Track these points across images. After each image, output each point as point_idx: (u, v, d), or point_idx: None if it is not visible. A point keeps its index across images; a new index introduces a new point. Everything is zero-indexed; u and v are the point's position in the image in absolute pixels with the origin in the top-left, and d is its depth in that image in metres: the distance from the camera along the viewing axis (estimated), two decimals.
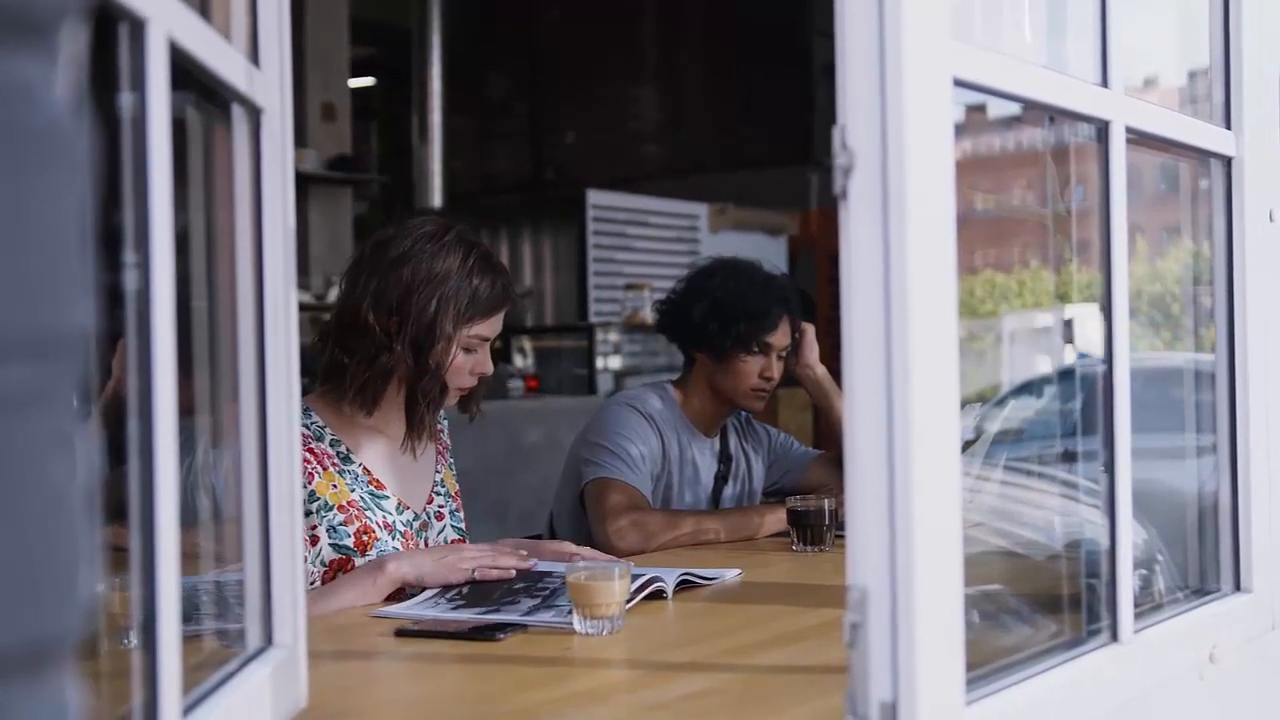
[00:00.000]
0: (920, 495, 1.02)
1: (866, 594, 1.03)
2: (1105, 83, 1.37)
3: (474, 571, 1.91)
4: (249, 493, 1.20)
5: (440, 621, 1.76)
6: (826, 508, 2.39)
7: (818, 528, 2.39)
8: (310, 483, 2.01)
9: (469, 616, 1.77)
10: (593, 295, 7.51)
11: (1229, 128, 1.64)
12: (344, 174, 7.41)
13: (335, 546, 2.02)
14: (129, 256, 0.86)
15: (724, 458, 2.81)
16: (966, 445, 1.83)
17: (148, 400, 0.86)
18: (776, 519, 2.53)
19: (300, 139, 6.97)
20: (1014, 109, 1.43)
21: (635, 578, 1.83)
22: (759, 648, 1.66)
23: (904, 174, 1.02)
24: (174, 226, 0.89)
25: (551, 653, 1.61)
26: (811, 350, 2.81)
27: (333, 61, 7.36)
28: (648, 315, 6.64)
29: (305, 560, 1.99)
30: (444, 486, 2.23)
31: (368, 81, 9.92)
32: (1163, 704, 1.47)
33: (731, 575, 2.10)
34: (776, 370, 2.71)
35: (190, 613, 1.15)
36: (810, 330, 2.81)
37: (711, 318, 2.68)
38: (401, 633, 1.72)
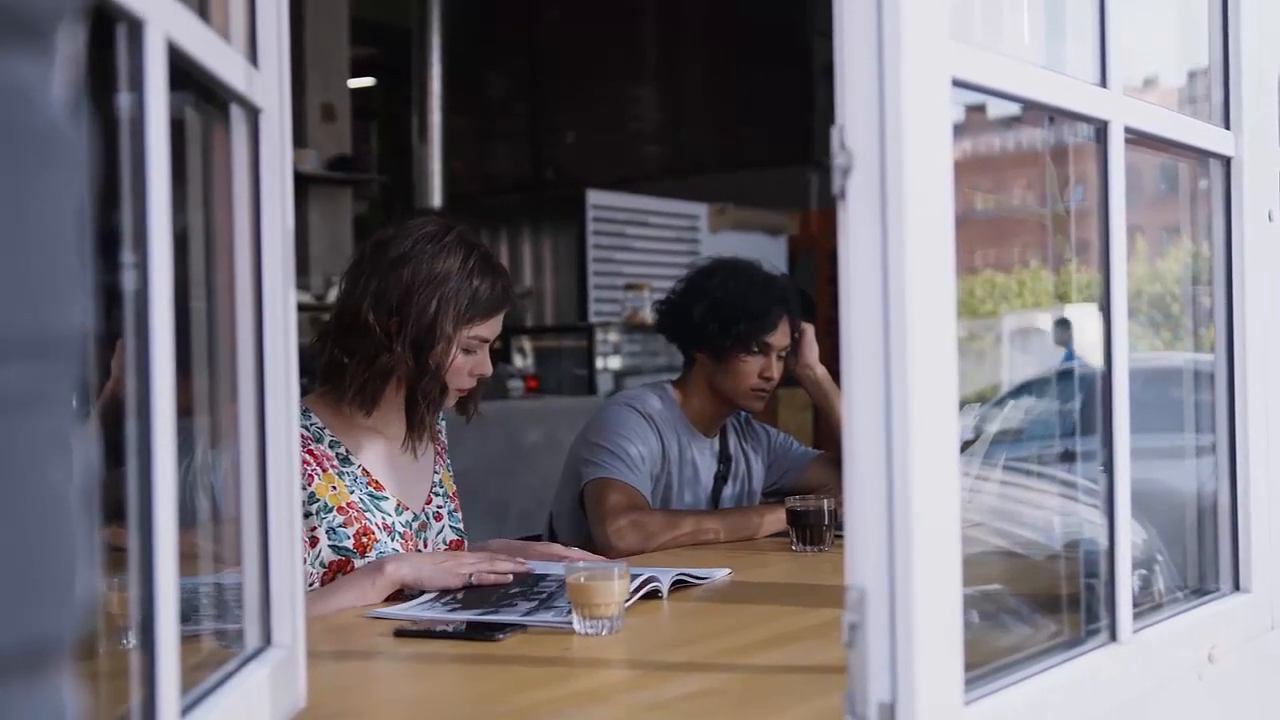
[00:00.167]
0: (919, 495, 1.02)
1: (865, 594, 1.03)
2: (1104, 83, 1.37)
3: (471, 576, 1.92)
4: (248, 493, 1.20)
5: (439, 621, 1.76)
6: (826, 508, 2.39)
7: (817, 528, 2.39)
8: (309, 484, 2.01)
9: (468, 617, 1.77)
10: (592, 295, 7.52)
11: (1228, 128, 1.64)
12: (344, 174, 7.42)
13: (335, 548, 2.02)
14: (127, 257, 0.86)
15: (723, 458, 2.81)
16: (966, 445, 1.83)
17: (146, 401, 0.86)
18: (776, 519, 2.54)
19: (300, 139, 6.97)
20: (1014, 109, 1.43)
21: (632, 578, 1.83)
22: (758, 648, 1.66)
23: (902, 174, 1.02)
24: (173, 227, 0.89)
25: (551, 653, 1.61)
26: (811, 350, 2.81)
27: (332, 61, 7.37)
28: (647, 315, 6.64)
29: (304, 562, 1.99)
30: (442, 487, 2.23)
31: (368, 81, 9.93)
32: (1161, 704, 1.47)
33: (722, 575, 2.11)
34: (776, 370, 2.71)
35: (189, 613, 1.15)
36: (810, 330, 2.81)
37: (711, 318, 2.68)
38: (400, 633, 1.72)
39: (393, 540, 2.08)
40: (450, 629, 1.72)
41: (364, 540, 2.03)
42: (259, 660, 1.17)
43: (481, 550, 2.23)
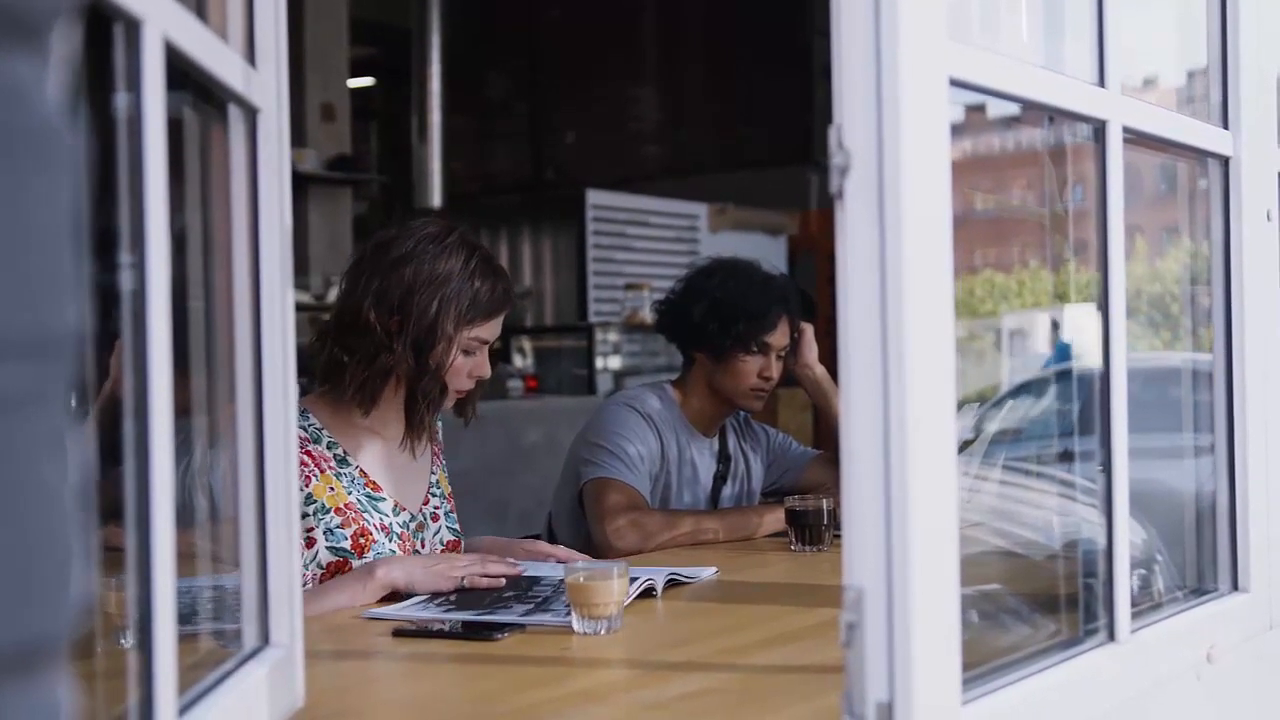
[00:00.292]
0: (917, 495, 1.02)
1: (863, 594, 1.03)
2: (1102, 82, 1.37)
3: (464, 580, 1.92)
4: (246, 492, 1.20)
5: (437, 621, 1.76)
6: (825, 508, 2.39)
7: (816, 527, 2.39)
8: (307, 485, 2.01)
9: (464, 617, 1.77)
10: (592, 295, 7.52)
11: (1226, 127, 1.64)
12: (343, 174, 7.42)
13: (332, 549, 2.02)
14: (125, 257, 0.86)
15: (723, 458, 2.81)
16: (965, 445, 1.83)
17: (143, 400, 0.86)
18: (775, 519, 2.54)
19: (300, 139, 6.97)
20: (1014, 108, 1.43)
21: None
22: (757, 647, 1.66)
23: (900, 174, 1.02)
24: (170, 227, 0.89)
25: (550, 652, 1.61)
26: (810, 350, 2.81)
27: (332, 61, 7.37)
28: (647, 315, 6.64)
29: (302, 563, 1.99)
30: (439, 488, 2.24)
31: (367, 81, 9.93)
32: (1160, 704, 1.47)
33: (708, 573, 2.13)
34: (775, 370, 2.71)
35: (188, 613, 1.16)
36: (809, 330, 2.81)
37: (711, 318, 2.68)
38: (399, 633, 1.72)
39: (390, 541, 2.08)
40: (449, 628, 1.72)
41: (361, 541, 2.03)
42: (257, 660, 1.17)
43: (471, 549, 2.23)
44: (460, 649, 1.64)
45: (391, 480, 2.13)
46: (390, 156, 9.31)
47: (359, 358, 2.05)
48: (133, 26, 0.86)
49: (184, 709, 0.95)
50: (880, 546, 1.02)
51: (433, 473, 2.23)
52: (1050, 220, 1.71)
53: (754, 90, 8.88)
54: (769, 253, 7.20)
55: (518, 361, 7.01)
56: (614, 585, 1.67)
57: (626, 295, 7.26)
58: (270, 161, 1.20)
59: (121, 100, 0.86)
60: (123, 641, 1.16)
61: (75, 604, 0.49)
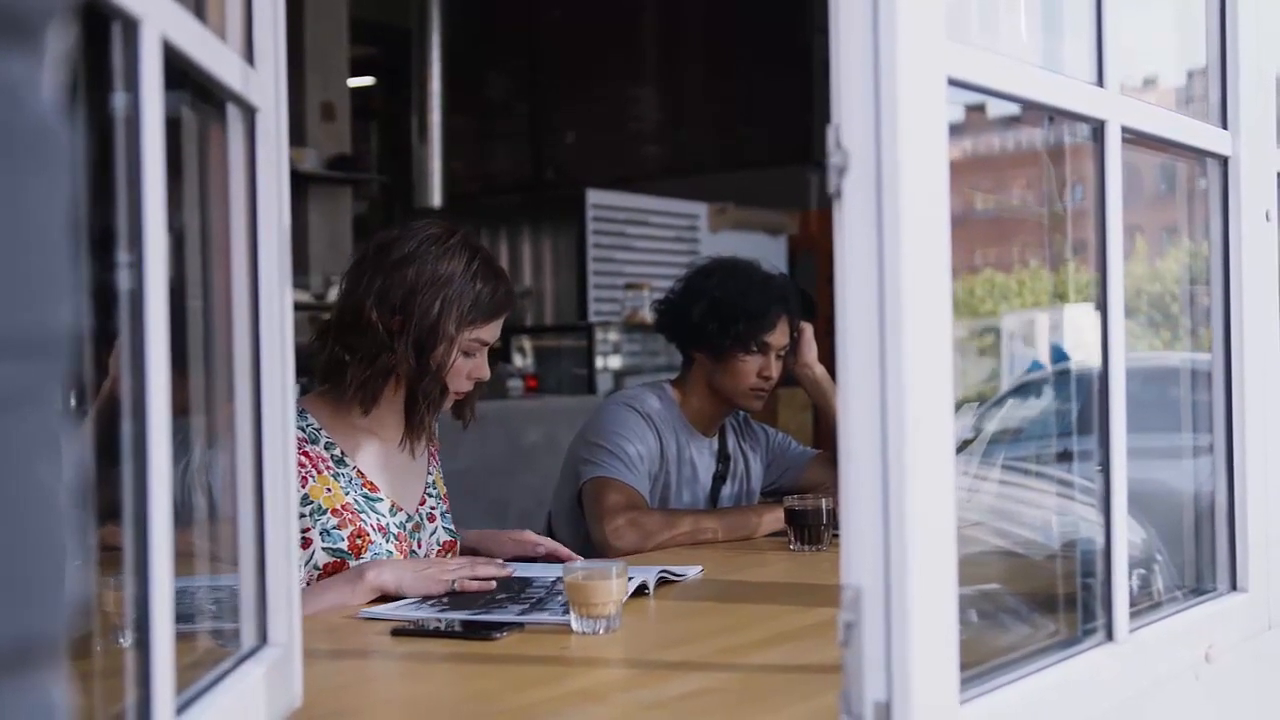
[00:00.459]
0: (914, 494, 1.02)
1: (861, 593, 1.03)
2: (1101, 82, 1.37)
3: (454, 583, 1.92)
4: (244, 492, 1.20)
5: (437, 620, 1.76)
6: (824, 507, 2.39)
7: (815, 527, 2.39)
8: (304, 486, 2.01)
9: (461, 616, 1.77)
10: (592, 295, 7.52)
11: (1225, 127, 1.64)
12: (343, 173, 7.41)
13: (329, 550, 2.02)
14: (123, 256, 0.86)
15: (722, 457, 2.81)
16: (964, 444, 1.83)
17: (141, 400, 0.86)
18: (774, 518, 2.54)
19: (300, 138, 6.97)
20: (1014, 108, 1.43)
21: None
22: (756, 647, 1.66)
23: (898, 174, 1.02)
24: (169, 226, 0.89)
25: (548, 651, 1.61)
26: (810, 349, 2.81)
27: (332, 61, 7.37)
28: (647, 315, 6.64)
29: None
30: (435, 488, 2.24)
31: (367, 81, 9.93)
32: (1158, 703, 1.47)
33: (694, 571, 2.14)
34: (775, 370, 2.71)
35: (186, 612, 1.16)
36: (809, 329, 2.81)
37: (710, 317, 2.68)
38: (397, 632, 1.72)
39: (387, 542, 2.08)
40: (447, 628, 1.72)
41: (358, 542, 2.03)
42: (255, 659, 1.17)
43: (457, 545, 2.24)
44: (458, 648, 1.64)
45: (389, 481, 2.13)
46: (390, 156, 9.31)
47: (360, 357, 2.06)
48: (130, 26, 0.86)
49: (182, 708, 0.95)
50: (878, 546, 1.02)
51: (429, 473, 2.23)
52: (1050, 220, 1.71)
53: (754, 90, 8.88)
54: (769, 252, 7.20)
55: (518, 361, 7.01)
56: (613, 585, 1.67)
57: (626, 295, 7.26)
58: (269, 161, 1.20)
59: (119, 100, 0.86)
60: (121, 640, 1.16)
61: (70, 603, 0.49)
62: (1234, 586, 1.64)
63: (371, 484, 2.10)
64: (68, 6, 0.52)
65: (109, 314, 0.87)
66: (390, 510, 2.11)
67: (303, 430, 2.05)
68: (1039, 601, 1.51)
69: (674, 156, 9.31)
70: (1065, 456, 1.71)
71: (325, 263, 7.08)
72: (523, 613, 1.78)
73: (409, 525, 2.14)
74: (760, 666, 1.55)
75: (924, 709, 1.02)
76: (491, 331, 2.12)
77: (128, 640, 0.98)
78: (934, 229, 1.06)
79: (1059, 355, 1.89)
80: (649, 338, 6.97)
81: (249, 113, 1.18)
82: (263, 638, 1.21)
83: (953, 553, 1.08)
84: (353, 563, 2.01)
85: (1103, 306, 1.37)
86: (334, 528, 2.02)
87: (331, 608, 1.86)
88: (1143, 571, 1.58)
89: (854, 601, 1.03)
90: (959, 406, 1.12)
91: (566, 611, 1.72)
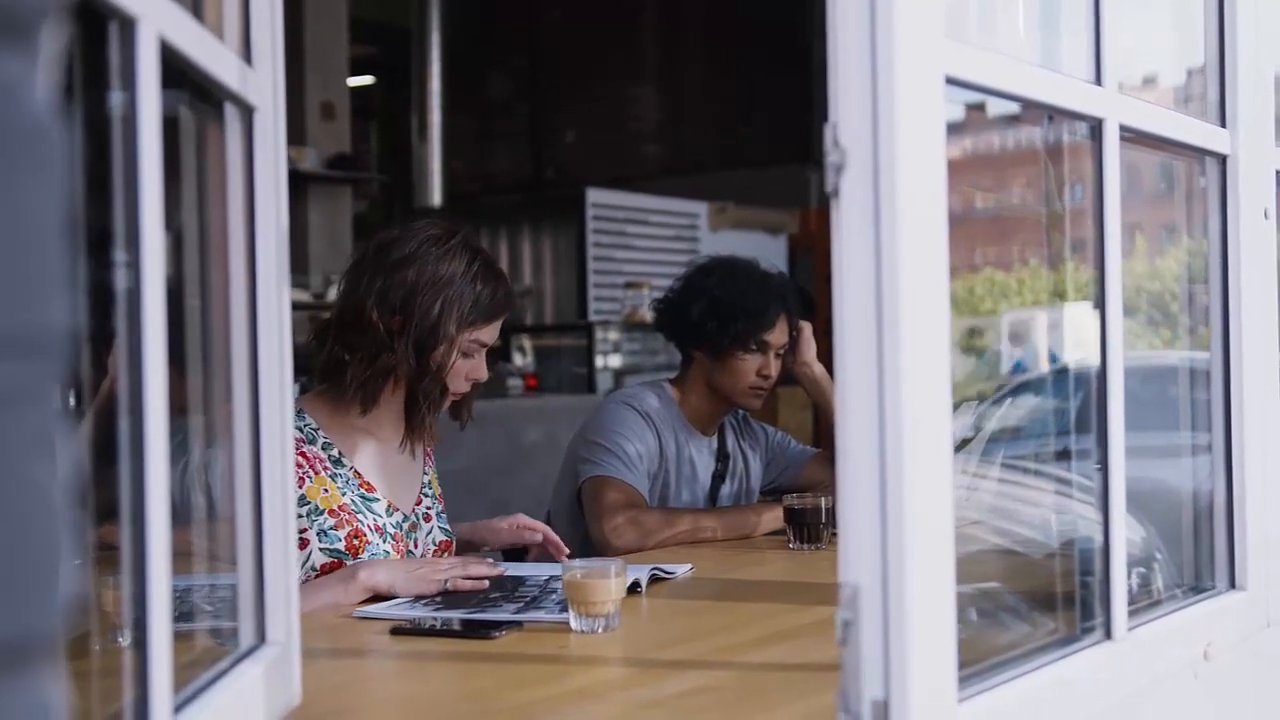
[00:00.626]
0: (912, 492, 1.02)
1: (858, 591, 1.03)
2: (1099, 81, 1.37)
3: (446, 583, 1.92)
4: (242, 491, 1.20)
5: (434, 619, 1.76)
6: (823, 506, 2.39)
7: (814, 526, 2.39)
8: (301, 487, 2.01)
9: (460, 615, 1.77)
10: (592, 294, 7.52)
11: (1224, 126, 1.64)
12: (343, 173, 7.41)
13: (326, 551, 2.02)
14: (120, 255, 0.86)
15: (721, 456, 2.82)
16: (964, 443, 1.83)
17: (138, 399, 0.86)
18: (773, 517, 2.54)
19: (299, 138, 6.97)
20: (1014, 107, 1.43)
21: None
22: (754, 645, 1.66)
23: (896, 172, 1.02)
24: (167, 226, 0.89)
25: (547, 650, 1.62)
26: (809, 348, 2.81)
27: (332, 60, 7.37)
28: (647, 314, 6.64)
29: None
30: (431, 488, 2.24)
31: (367, 80, 9.93)
32: (1157, 702, 1.47)
33: (684, 570, 2.15)
34: (774, 368, 2.71)
35: (185, 612, 1.16)
36: (808, 328, 2.81)
37: (709, 316, 2.68)
38: (397, 631, 1.72)
39: (384, 542, 2.08)
40: (446, 626, 1.72)
41: (355, 542, 2.03)
42: (253, 658, 1.17)
43: (453, 545, 2.24)
44: (456, 647, 1.64)
45: (385, 481, 2.13)
46: (390, 155, 9.32)
47: (360, 356, 2.06)
48: (127, 25, 0.86)
49: (180, 706, 0.95)
50: (876, 544, 1.02)
51: (425, 473, 2.23)
52: (1049, 219, 1.71)
53: (754, 89, 8.88)
54: (769, 251, 7.20)
55: (518, 360, 7.01)
56: (611, 584, 1.67)
57: (626, 294, 7.26)
58: (267, 160, 1.20)
59: (116, 99, 0.86)
60: (120, 639, 1.16)
61: (65, 602, 0.49)
62: (1232, 585, 1.64)
63: (368, 484, 2.10)
64: (62, 6, 0.52)
65: (107, 313, 0.87)
66: (387, 510, 2.11)
67: (300, 430, 2.06)
68: (1038, 600, 1.51)
69: (674, 156, 9.32)
70: (1064, 455, 1.71)
71: (325, 262, 7.08)
72: (517, 611, 1.79)
73: (405, 525, 2.14)
74: (758, 665, 1.55)
75: (922, 707, 1.02)
76: (491, 333, 2.13)
77: (127, 639, 0.98)
78: (932, 227, 1.06)
79: (1036, 359, 1.90)
80: (649, 337, 6.97)
81: (247, 112, 1.18)
82: (261, 637, 1.21)
83: (951, 551, 1.08)
84: (350, 563, 2.02)
85: (1101, 305, 1.37)
86: (331, 528, 2.02)
87: (325, 607, 1.86)
88: (1142, 570, 1.57)
89: (851, 600, 1.03)
90: (958, 405, 1.12)
91: (562, 610, 1.72)
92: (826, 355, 2.71)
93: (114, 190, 0.86)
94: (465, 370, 2.11)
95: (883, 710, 1.02)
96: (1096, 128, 1.37)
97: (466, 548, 2.32)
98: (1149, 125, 1.49)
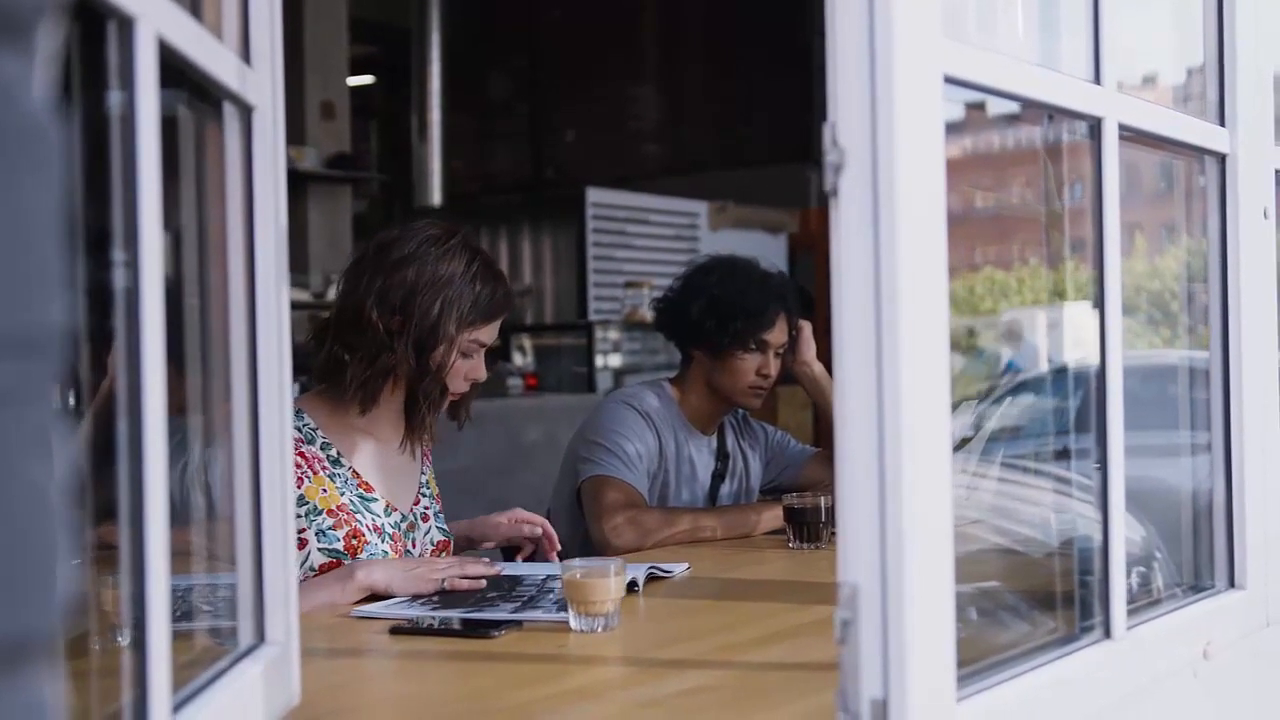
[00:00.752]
0: (911, 491, 1.02)
1: (857, 590, 1.03)
2: (1098, 80, 1.37)
3: (444, 582, 1.92)
4: (241, 490, 1.20)
5: (434, 619, 1.76)
6: (823, 505, 2.39)
7: (814, 525, 2.39)
8: (299, 487, 2.01)
9: (458, 614, 1.77)
10: (592, 293, 7.52)
11: (1223, 125, 1.64)
12: (343, 172, 7.41)
13: (325, 551, 2.02)
14: (118, 255, 0.86)
15: (721, 455, 2.82)
16: (964, 442, 1.83)
17: (137, 398, 0.86)
18: (773, 516, 2.54)
19: (299, 137, 6.97)
20: (1014, 106, 1.43)
21: None
22: (754, 645, 1.66)
23: (894, 172, 1.02)
24: (166, 225, 0.89)
25: (546, 650, 1.62)
26: (809, 347, 2.81)
27: (332, 60, 7.37)
28: (647, 313, 6.64)
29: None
30: (428, 488, 2.24)
31: (367, 80, 9.93)
32: (1156, 700, 1.47)
33: (681, 569, 2.15)
34: (774, 368, 2.71)
35: (184, 611, 1.16)
36: (807, 327, 2.81)
37: (709, 315, 2.68)
38: (396, 630, 1.72)
39: (383, 542, 2.08)
40: (446, 626, 1.72)
41: (354, 542, 2.04)
42: (252, 657, 1.17)
43: (450, 544, 2.24)
44: (456, 646, 1.64)
45: (383, 480, 2.13)
46: (390, 155, 9.31)
47: (360, 356, 2.06)
48: (126, 24, 0.86)
49: (179, 706, 0.95)
50: (874, 543, 1.02)
51: (422, 473, 2.24)
52: (1049, 218, 1.71)
53: (754, 88, 8.88)
54: (769, 250, 7.20)
55: (518, 359, 7.01)
56: (611, 583, 1.67)
57: (626, 293, 7.26)
58: (265, 159, 1.20)
59: (115, 98, 0.86)
60: (120, 639, 1.16)
61: (62, 602, 0.49)
62: (1232, 584, 1.64)
63: (367, 484, 2.10)
64: (59, 4, 0.52)
65: (107, 313, 0.87)
66: (385, 510, 2.11)
67: (299, 430, 2.06)
68: (1037, 599, 1.51)
69: (674, 155, 9.32)
70: (1064, 454, 1.71)
71: (325, 261, 7.08)
72: (515, 611, 1.79)
73: (403, 525, 2.14)
74: (758, 664, 1.55)
75: (920, 706, 1.02)
76: (490, 333, 2.13)
77: (126, 639, 0.99)
78: (930, 227, 1.06)
79: (1029, 359, 1.90)
80: (649, 336, 6.97)
81: (245, 111, 1.18)
82: (260, 636, 1.21)
83: (949, 550, 1.08)
84: (348, 563, 2.02)
85: (1100, 304, 1.37)
86: (329, 528, 2.02)
87: (321, 606, 1.86)
88: (1141, 569, 1.57)
89: (850, 599, 1.03)
90: (956, 405, 1.12)
91: (559, 609, 1.72)
92: (826, 354, 2.71)
93: (113, 190, 0.86)
94: (464, 370, 2.11)
95: (881, 709, 1.02)
96: (1095, 127, 1.37)
97: (465, 544, 2.32)
98: (1148, 124, 1.49)
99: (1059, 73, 1.37)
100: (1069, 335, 1.77)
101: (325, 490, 2.04)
